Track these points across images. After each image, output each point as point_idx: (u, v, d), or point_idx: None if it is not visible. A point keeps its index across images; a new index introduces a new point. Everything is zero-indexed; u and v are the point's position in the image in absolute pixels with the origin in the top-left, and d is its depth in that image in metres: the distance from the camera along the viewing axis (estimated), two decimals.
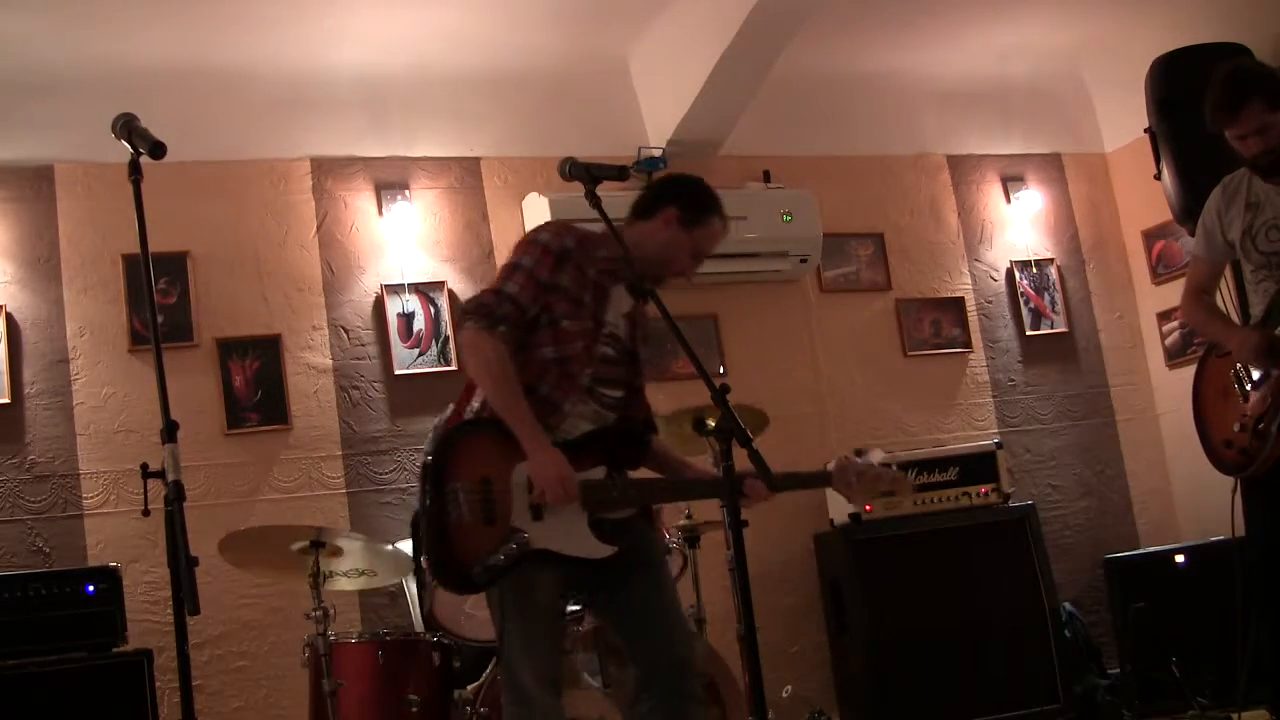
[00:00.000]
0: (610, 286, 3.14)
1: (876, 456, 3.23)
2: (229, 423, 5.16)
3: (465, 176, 5.71)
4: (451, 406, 3.12)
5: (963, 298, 6.40)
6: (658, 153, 5.77)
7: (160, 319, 5.01)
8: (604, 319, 3.12)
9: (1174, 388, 6.23)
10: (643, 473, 3.22)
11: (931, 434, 6.15)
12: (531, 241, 3.09)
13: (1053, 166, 6.75)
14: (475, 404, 3.05)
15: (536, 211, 5.44)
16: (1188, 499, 6.38)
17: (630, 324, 3.21)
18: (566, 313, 3.05)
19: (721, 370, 5.80)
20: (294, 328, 5.34)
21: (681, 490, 3.12)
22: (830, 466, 3.20)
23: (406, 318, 5.45)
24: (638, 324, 3.24)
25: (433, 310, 5.47)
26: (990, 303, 6.47)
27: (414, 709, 3.85)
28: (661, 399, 5.57)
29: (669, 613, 3.11)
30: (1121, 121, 6.38)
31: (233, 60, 5.18)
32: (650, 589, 3.11)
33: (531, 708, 2.89)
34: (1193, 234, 4.10)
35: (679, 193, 3.22)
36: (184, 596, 2.34)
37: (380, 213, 5.54)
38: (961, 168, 6.59)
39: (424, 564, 3.02)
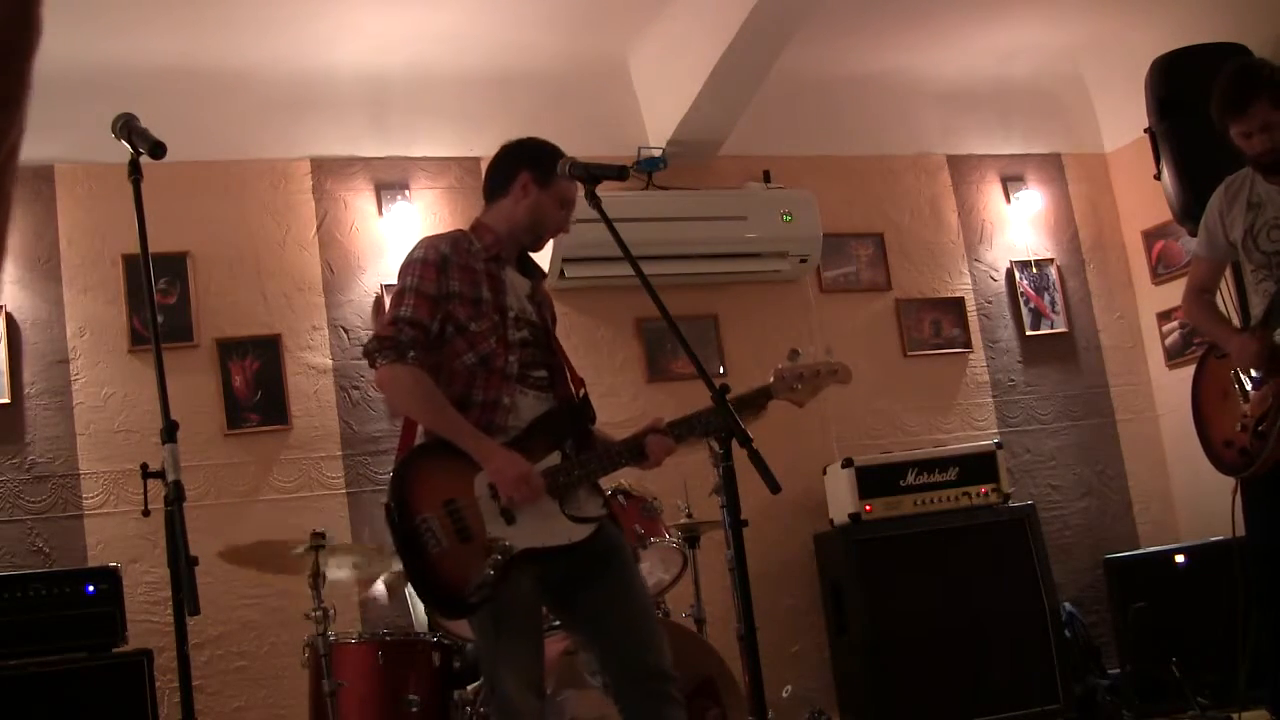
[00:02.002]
0: (501, 273, 3.17)
1: (809, 356, 3.23)
2: (229, 423, 5.16)
3: (465, 176, 5.72)
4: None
5: (963, 298, 6.40)
6: (658, 153, 5.77)
7: (160, 319, 4.99)
8: (506, 305, 3.13)
9: (1174, 388, 6.23)
10: None
11: (931, 434, 6.15)
12: (409, 263, 3.11)
13: (1053, 166, 6.75)
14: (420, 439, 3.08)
15: None
16: (1188, 499, 6.38)
17: (535, 305, 3.24)
18: (470, 315, 3.07)
19: (721, 370, 5.80)
20: (294, 328, 5.34)
21: (626, 453, 3.10)
22: (770, 381, 3.19)
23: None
24: (542, 303, 3.27)
25: None
26: (990, 303, 6.47)
27: (414, 709, 3.85)
28: (662, 399, 5.61)
29: (639, 618, 3.09)
30: (1121, 121, 6.38)
31: (233, 60, 5.18)
32: (619, 594, 3.09)
33: (516, 715, 2.89)
34: (1193, 234, 4.10)
35: (522, 157, 3.23)
36: (184, 596, 2.35)
37: (380, 213, 5.55)
38: (961, 168, 6.59)
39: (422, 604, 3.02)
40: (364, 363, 5.32)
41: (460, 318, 3.06)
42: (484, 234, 3.20)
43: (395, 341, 3.00)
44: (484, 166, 5.68)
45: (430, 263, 3.08)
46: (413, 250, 3.15)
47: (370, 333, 5.34)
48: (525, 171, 3.21)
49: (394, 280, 5.33)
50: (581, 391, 3.25)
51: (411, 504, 2.94)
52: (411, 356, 2.99)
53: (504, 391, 3.06)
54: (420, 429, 3.10)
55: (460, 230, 3.25)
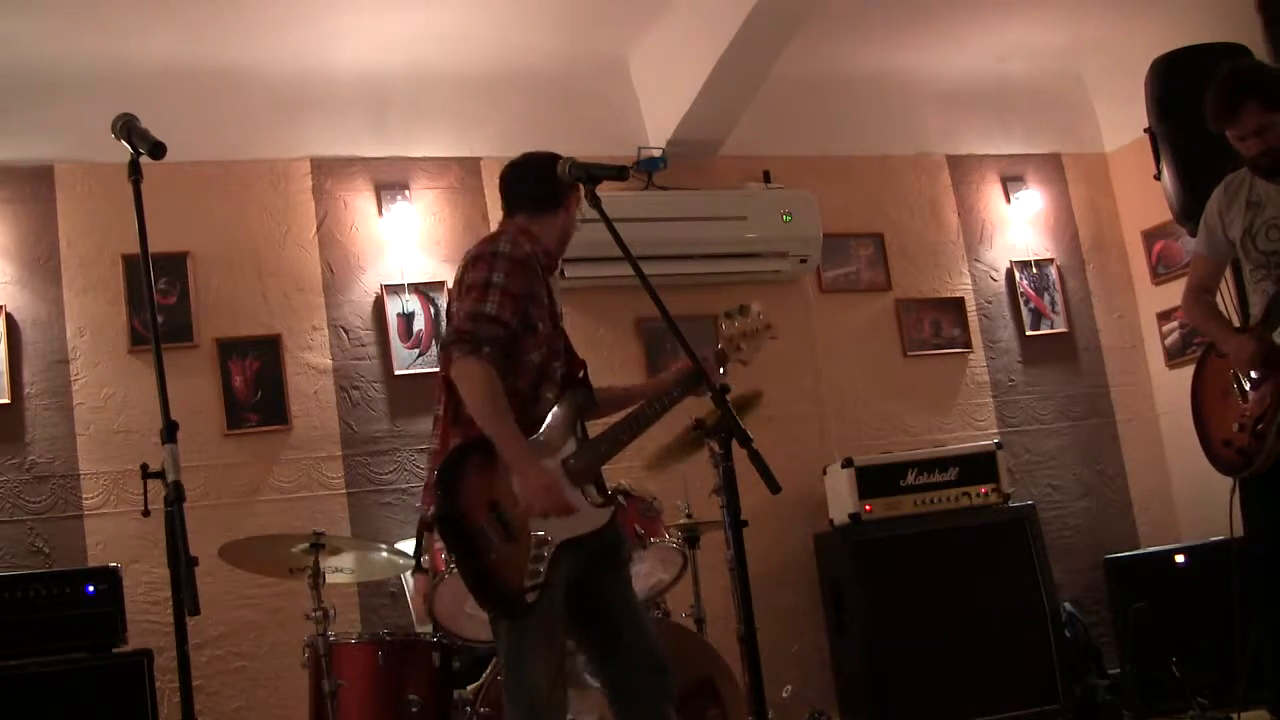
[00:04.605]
0: (550, 281, 3.20)
1: (756, 308, 3.36)
2: (229, 423, 5.16)
3: (465, 176, 5.72)
4: (435, 441, 3.13)
5: (963, 298, 6.40)
6: (658, 153, 5.77)
7: (160, 319, 5.01)
8: (559, 313, 3.19)
9: (1174, 388, 6.23)
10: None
11: (931, 434, 6.15)
12: (494, 256, 3.07)
13: (1053, 166, 6.75)
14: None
15: None
16: (1188, 499, 6.38)
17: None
18: (539, 316, 3.10)
19: (721, 370, 5.78)
20: (294, 328, 5.34)
21: (641, 421, 3.19)
22: (720, 346, 3.34)
23: (406, 318, 5.45)
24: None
25: (433, 310, 5.47)
26: (990, 303, 6.47)
27: (414, 709, 3.85)
28: None
29: (641, 611, 3.18)
30: (1121, 121, 6.38)
31: (233, 60, 5.18)
32: (625, 586, 3.18)
33: (545, 710, 2.90)
34: (1192, 234, 4.10)
35: (565, 177, 3.22)
36: (184, 597, 2.34)
37: (380, 213, 5.54)
38: (961, 168, 6.59)
39: (478, 602, 3.02)
40: (364, 363, 5.39)
41: (534, 318, 3.08)
42: (536, 243, 3.20)
43: (473, 334, 2.97)
44: (484, 166, 5.77)
45: (517, 260, 3.06)
46: (496, 244, 3.10)
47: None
48: (575, 190, 3.23)
49: (393, 280, 5.43)
50: (582, 373, 3.27)
51: (463, 509, 2.95)
52: (486, 351, 2.97)
53: (547, 389, 3.12)
54: (453, 432, 3.11)
55: (520, 234, 3.20)
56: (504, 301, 3.00)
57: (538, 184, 3.27)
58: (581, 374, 3.27)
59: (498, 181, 3.37)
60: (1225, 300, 4.18)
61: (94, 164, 5.09)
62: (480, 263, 3.06)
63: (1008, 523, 5.56)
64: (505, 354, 3.04)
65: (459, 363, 2.99)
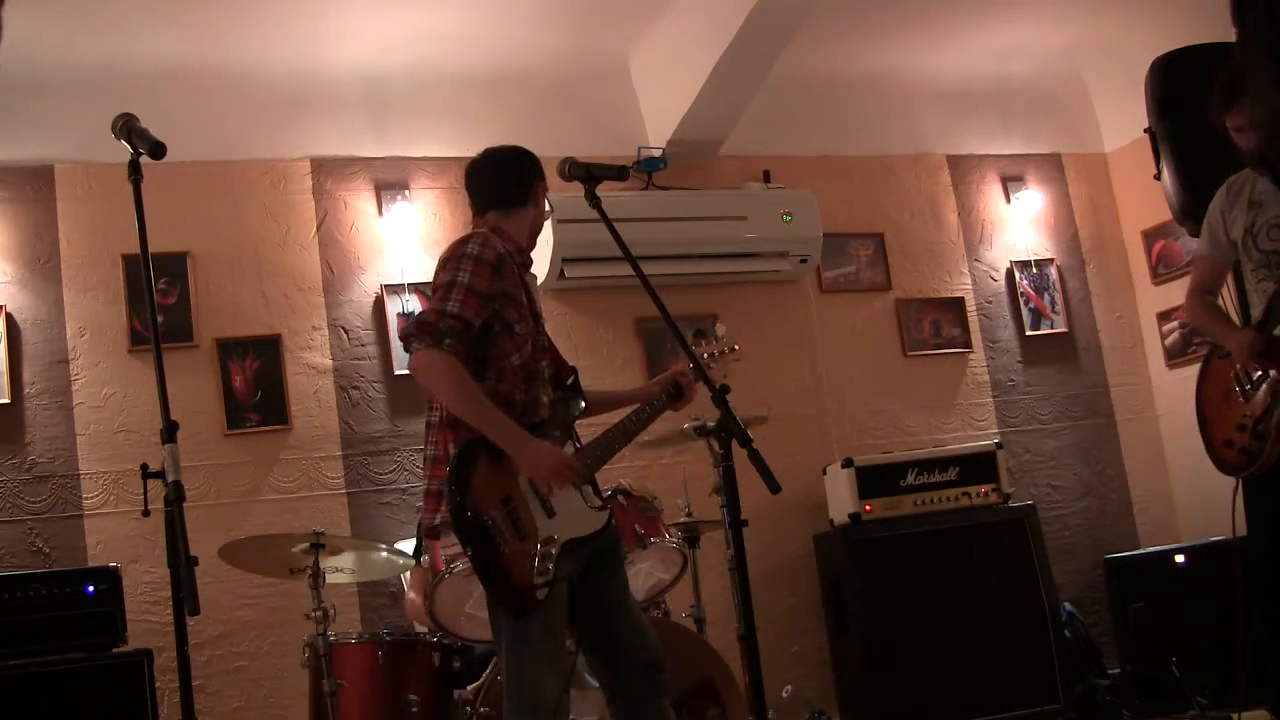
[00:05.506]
0: (526, 277, 3.21)
1: (721, 330, 3.37)
2: (229, 423, 5.16)
3: None
4: (432, 447, 3.12)
5: (963, 298, 6.40)
6: (658, 153, 5.77)
7: (160, 319, 5.01)
8: (539, 311, 3.20)
9: (1174, 388, 6.24)
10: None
11: (931, 434, 6.15)
12: (461, 256, 3.07)
13: (1053, 166, 6.75)
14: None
15: None
16: (1188, 499, 6.38)
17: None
18: (516, 317, 3.09)
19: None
20: (294, 328, 5.34)
21: (630, 430, 3.21)
22: (704, 358, 3.34)
23: (406, 318, 5.45)
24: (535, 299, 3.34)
25: None
26: (990, 303, 6.47)
27: (414, 709, 3.85)
28: None
29: (637, 609, 3.21)
30: (1121, 121, 6.38)
31: (233, 60, 5.18)
32: (624, 585, 3.20)
33: (549, 713, 2.91)
34: (1193, 234, 4.10)
35: (535, 167, 3.30)
36: (184, 596, 2.34)
37: (380, 213, 5.55)
38: (961, 168, 6.59)
39: (491, 600, 3.01)
40: (364, 363, 5.38)
41: (510, 318, 3.08)
42: (509, 241, 3.21)
43: (434, 328, 2.98)
44: None
45: (486, 261, 3.06)
46: (466, 245, 3.10)
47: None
48: (541, 182, 3.28)
49: (393, 280, 5.43)
50: (571, 380, 3.28)
51: (478, 505, 2.95)
52: (447, 344, 2.98)
53: (541, 391, 3.13)
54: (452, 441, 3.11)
55: (493, 234, 3.20)
56: (467, 300, 3.01)
57: (504, 180, 3.29)
58: (570, 380, 3.28)
59: (464, 180, 3.36)
60: (1226, 300, 4.18)
61: (94, 164, 5.09)
62: (449, 265, 3.08)
63: (1007, 523, 5.57)
64: (482, 358, 3.05)
65: (420, 354, 2.99)
